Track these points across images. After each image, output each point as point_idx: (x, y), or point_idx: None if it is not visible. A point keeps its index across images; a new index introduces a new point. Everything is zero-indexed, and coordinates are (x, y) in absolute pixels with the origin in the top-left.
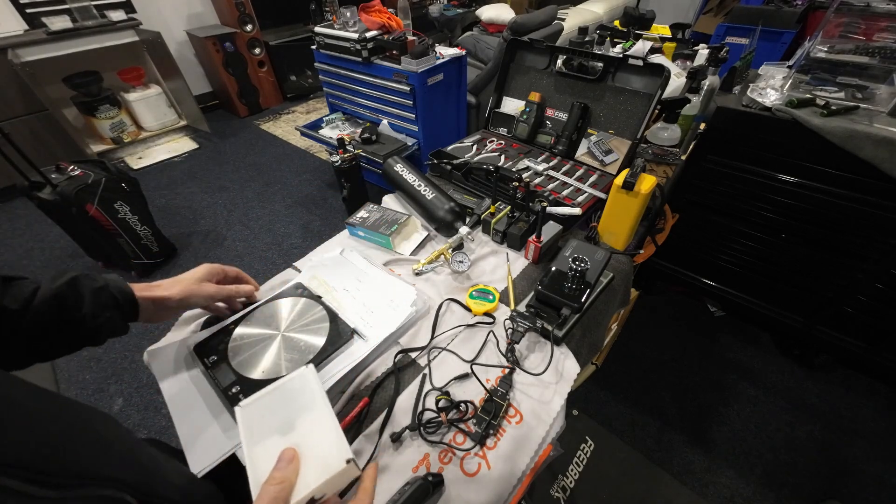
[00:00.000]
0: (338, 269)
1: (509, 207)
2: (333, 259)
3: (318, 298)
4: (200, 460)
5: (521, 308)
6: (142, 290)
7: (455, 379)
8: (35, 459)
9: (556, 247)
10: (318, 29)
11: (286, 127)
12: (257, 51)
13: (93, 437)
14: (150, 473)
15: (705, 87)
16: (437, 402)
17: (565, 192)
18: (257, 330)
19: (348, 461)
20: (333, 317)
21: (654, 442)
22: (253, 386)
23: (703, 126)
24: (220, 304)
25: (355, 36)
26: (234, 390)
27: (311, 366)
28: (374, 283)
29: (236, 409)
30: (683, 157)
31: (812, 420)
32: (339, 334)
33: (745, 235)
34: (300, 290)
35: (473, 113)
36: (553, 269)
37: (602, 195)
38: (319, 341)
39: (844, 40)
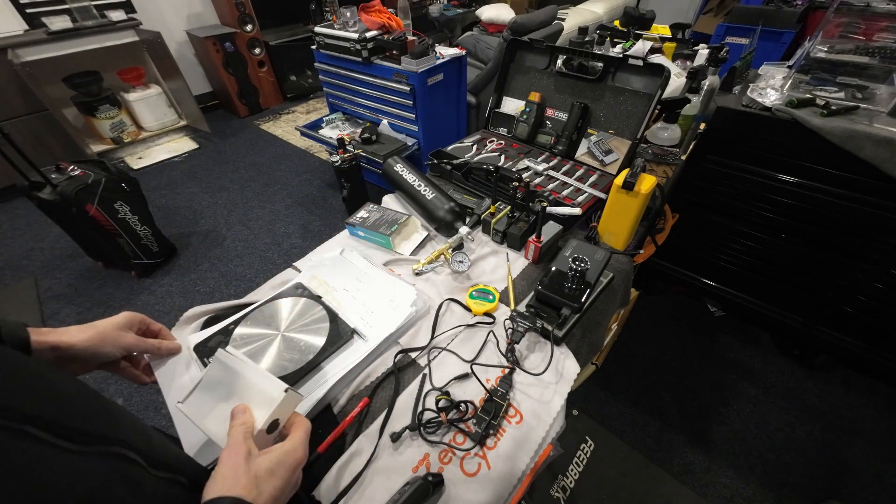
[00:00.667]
0: (338, 269)
1: (509, 207)
2: (333, 259)
3: (317, 298)
4: (205, 457)
5: (521, 308)
6: (43, 333)
7: (455, 379)
8: (56, 415)
9: (556, 247)
10: (318, 29)
11: (286, 127)
12: (257, 51)
13: (104, 408)
14: (157, 445)
15: (705, 87)
16: (437, 402)
17: (565, 192)
18: (257, 330)
19: (286, 391)
20: (333, 317)
21: (654, 442)
22: None
23: (703, 126)
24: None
25: (355, 36)
26: None
27: (222, 349)
28: (373, 283)
29: (178, 405)
30: (683, 157)
31: (812, 420)
32: (340, 334)
33: (745, 235)
34: (300, 291)
35: (473, 113)
36: (553, 269)
37: (602, 195)
38: (319, 341)
39: (844, 40)
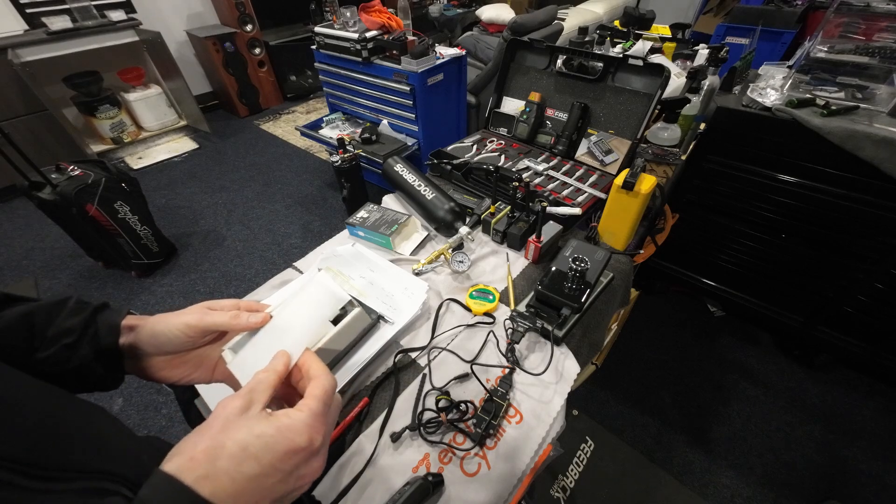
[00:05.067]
0: (352, 260)
1: (509, 207)
2: (346, 251)
3: None
4: None
5: (521, 308)
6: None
7: (455, 379)
8: (25, 453)
9: (556, 247)
10: (318, 29)
11: (286, 127)
12: (257, 51)
13: (89, 433)
14: (149, 469)
15: (705, 87)
16: (437, 402)
17: (565, 192)
18: None
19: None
20: (358, 305)
21: (654, 442)
22: None
23: (703, 126)
24: None
25: (355, 36)
26: None
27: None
28: (386, 273)
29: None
30: (683, 157)
31: (812, 420)
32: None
33: (745, 235)
34: None
35: (473, 113)
36: (553, 269)
37: (602, 195)
38: None
39: (844, 40)
